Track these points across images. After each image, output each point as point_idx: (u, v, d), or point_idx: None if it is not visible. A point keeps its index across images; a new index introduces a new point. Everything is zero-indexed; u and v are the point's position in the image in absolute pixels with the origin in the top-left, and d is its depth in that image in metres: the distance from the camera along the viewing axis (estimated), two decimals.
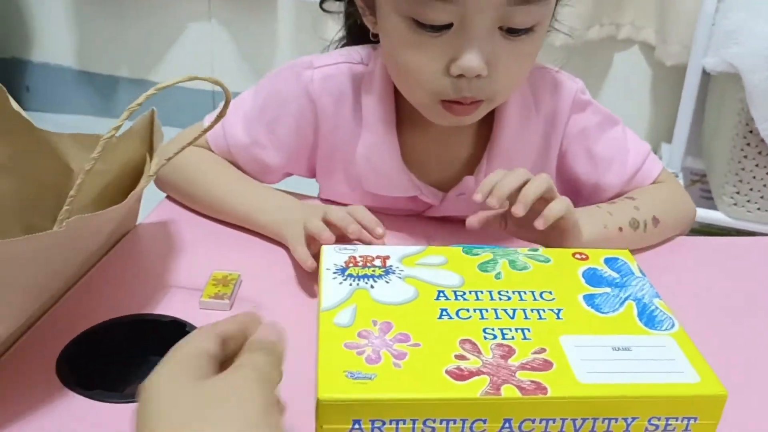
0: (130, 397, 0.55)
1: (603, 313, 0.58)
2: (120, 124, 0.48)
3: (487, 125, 0.80)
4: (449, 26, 0.66)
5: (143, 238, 0.78)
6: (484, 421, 0.50)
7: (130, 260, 0.73)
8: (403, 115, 0.78)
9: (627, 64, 1.99)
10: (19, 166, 0.67)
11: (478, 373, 0.51)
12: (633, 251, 0.78)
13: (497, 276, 0.62)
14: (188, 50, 2.33)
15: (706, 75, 1.55)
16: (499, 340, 0.54)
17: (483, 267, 0.63)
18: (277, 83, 0.82)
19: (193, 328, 0.62)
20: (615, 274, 0.64)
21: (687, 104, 1.57)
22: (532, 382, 0.50)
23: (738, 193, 1.49)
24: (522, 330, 0.55)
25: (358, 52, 0.81)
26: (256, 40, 2.27)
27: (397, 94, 0.77)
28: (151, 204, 0.82)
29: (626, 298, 0.60)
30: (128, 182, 0.69)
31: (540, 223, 0.68)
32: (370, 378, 0.49)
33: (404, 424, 0.49)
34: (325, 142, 0.82)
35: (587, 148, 0.83)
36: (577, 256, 0.65)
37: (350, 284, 0.59)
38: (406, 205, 0.83)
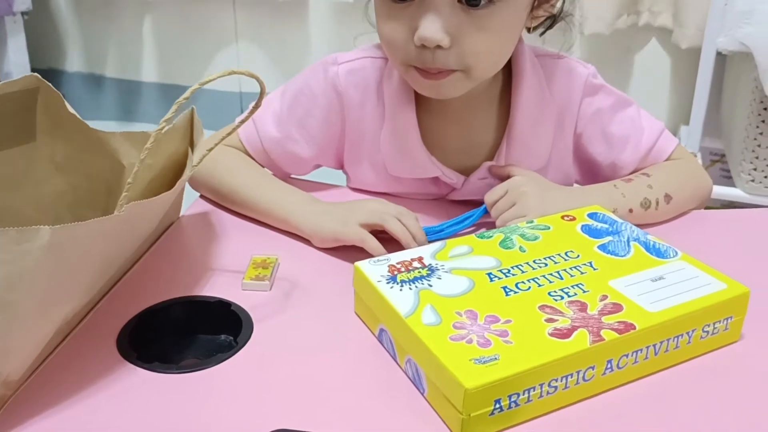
0: (185, 368, 0.60)
1: (621, 256, 0.67)
2: (169, 116, 0.53)
3: (505, 111, 0.84)
4: None
5: (186, 228, 0.83)
6: (593, 368, 0.56)
7: (176, 248, 0.79)
8: (422, 101, 0.83)
9: (646, 50, 2.01)
10: (75, 164, 0.73)
11: (574, 328, 0.57)
12: (651, 224, 0.82)
13: (521, 249, 0.68)
14: (215, 58, 2.39)
15: (721, 56, 1.58)
16: (567, 299, 0.60)
17: (504, 245, 0.69)
18: (305, 80, 0.87)
19: (237, 307, 0.67)
20: (605, 225, 0.72)
21: (702, 85, 1.60)
22: (620, 322, 0.57)
23: (755, 169, 1.52)
24: (577, 285, 0.63)
25: (378, 47, 0.86)
26: (285, 45, 2.32)
27: None
28: (189, 200, 0.88)
29: (628, 241, 0.69)
30: (171, 175, 0.75)
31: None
32: (496, 359, 0.53)
33: (534, 390, 0.54)
34: (352, 133, 0.87)
35: (602, 129, 0.86)
36: (566, 218, 0.74)
37: (410, 288, 0.62)
38: (430, 189, 0.88)
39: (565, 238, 0.70)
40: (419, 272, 0.65)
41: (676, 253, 0.68)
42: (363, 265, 0.66)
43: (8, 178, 0.71)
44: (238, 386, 0.59)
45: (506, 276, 0.64)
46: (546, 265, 0.66)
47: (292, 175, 0.92)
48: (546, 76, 0.85)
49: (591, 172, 0.90)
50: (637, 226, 0.74)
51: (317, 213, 0.78)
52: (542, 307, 0.59)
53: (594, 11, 1.88)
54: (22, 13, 2.17)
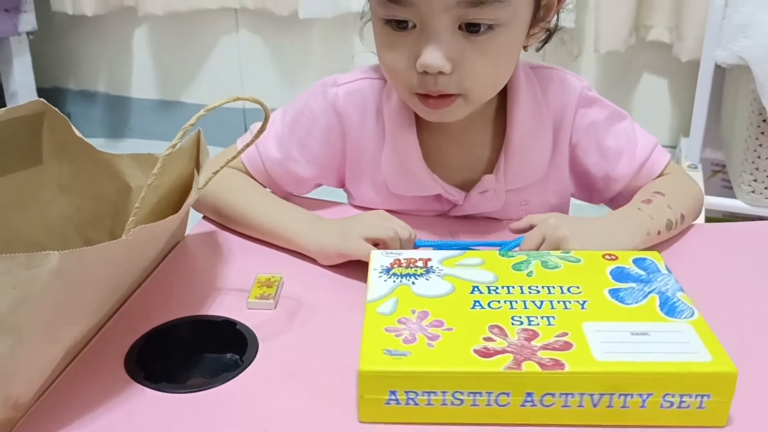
0: (192, 388, 0.61)
1: (626, 304, 0.62)
2: (176, 142, 0.54)
3: (502, 126, 0.85)
4: (414, 26, 0.72)
5: (191, 248, 0.84)
6: (508, 395, 0.55)
7: (182, 268, 0.80)
8: (422, 121, 0.84)
9: (644, 63, 2.02)
10: (81, 186, 0.74)
11: (503, 351, 0.56)
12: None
13: (529, 274, 0.67)
14: (217, 71, 2.41)
15: (720, 68, 1.59)
16: (525, 326, 0.59)
17: (517, 267, 0.68)
18: (305, 101, 0.88)
19: (243, 326, 0.68)
20: (642, 272, 0.67)
21: (702, 98, 1.61)
22: (552, 359, 0.55)
23: (755, 180, 1.52)
24: (547, 317, 0.60)
25: (376, 68, 0.87)
26: (285, 55, 2.34)
27: None
28: (194, 219, 0.89)
29: (650, 292, 0.64)
30: (177, 197, 0.76)
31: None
32: (406, 355, 0.56)
33: (435, 395, 0.55)
34: (352, 152, 0.88)
35: (597, 141, 0.87)
36: (607, 257, 0.69)
37: (394, 281, 0.66)
38: (432, 206, 0.89)
39: (584, 274, 0.66)
40: (415, 270, 0.67)
41: (692, 315, 0.60)
42: (375, 254, 0.70)
43: (15, 201, 0.72)
44: (245, 405, 0.59)
45: (489, 292, 0.64)
46: (538, 292, 0.64)
47: (294, 194, 0.93)
48: (541, 88, 0.86)
49: (586, 184, 0.91)
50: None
51: (320, 231, 0.79)
52: (492, 327, 0.59)
53: (608, 29, 1.89)
54: (28, 33, 2.19)
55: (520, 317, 0.60)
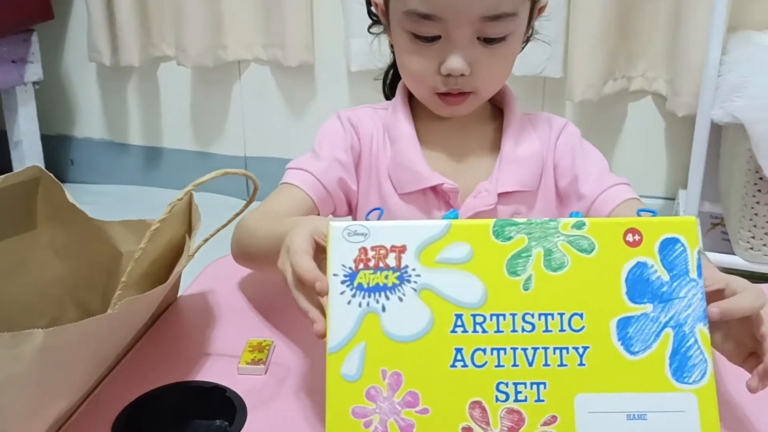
0: None
1: (633, 354, 0.56)
2: (164, 217, 0.55)
3: (497, 145, 0.94)
4: (438, 37, 0.83)
5: (184, 309, 0.84)
6: None
7: (173, 331, 0.80)
8: (423, 136, 0.93)
9: (640, 114, 2.03)
10: (74, 251, 0.75)
11: None
12: None
13: (525, 285, 0.57)
14: (220, 119, 2.44)
15: (717, 124, 1.60)
16: (510, 402, 0.55)
17: (513, 268, 0.58)
18: (322, 131, 0.96)
19: (232, 393, 0.68)
20: (665, 276, 0.58)
21: (698, 154, 1.61)
22: None
23: (753, 237, 1.52)
24: (537, 386, 0.55)
25: (375, 106, 0.98)
26: (288, 105, 2.36)
27: (414, 116, 0.93)
28: (189, 277, 0.89)
29: (666, 325, 0.57)
30: (170, 259, 0.76)
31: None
32: None
33: None
34: (365, 161, 0.95)
35: (572, 162, 0.94)
36: (629, 237, 0.58)
37: (359, 304, 0.56)
38: (433, 214, 0.93)
39: (594, 282, 0.57)
40: (385, 277, 0.57)
41: (702, 376, 0.55)
42: (335, 232, 0.58)
43: (9, 266, 0.72)
44: None
45: (474, 331, 0.56)
46: (532, 328, 0.56)
47: (341, 214, 0.96)
48: (531, 123, 0.95)
49: (559, 200, 0.97)
50: None
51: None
52: (473, 406, 0.55)
53: (583, 78, 1.91)
54: (34, 83, 2.22)
55: (507, 385, 0.55)
